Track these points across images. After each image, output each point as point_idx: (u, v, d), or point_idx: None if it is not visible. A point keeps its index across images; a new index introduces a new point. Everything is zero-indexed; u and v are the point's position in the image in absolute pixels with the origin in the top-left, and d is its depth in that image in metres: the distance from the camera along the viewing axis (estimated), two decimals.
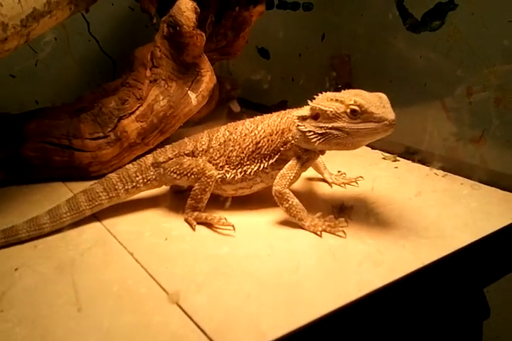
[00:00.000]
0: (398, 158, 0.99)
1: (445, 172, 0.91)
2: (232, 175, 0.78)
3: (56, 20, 0.75)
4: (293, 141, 0.75)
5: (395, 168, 0.96)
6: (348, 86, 1.93)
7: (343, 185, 0.88)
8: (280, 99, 1.72)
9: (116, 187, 0.78)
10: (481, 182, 0.86)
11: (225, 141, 0.79)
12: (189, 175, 0.77)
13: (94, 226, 0.77)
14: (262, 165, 0.77)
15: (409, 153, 1.00)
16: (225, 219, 0.74)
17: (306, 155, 0.75)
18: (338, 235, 0.70)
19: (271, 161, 0.77)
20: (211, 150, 0.80)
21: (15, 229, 0.72)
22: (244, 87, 1.56)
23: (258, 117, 0.81)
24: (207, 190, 0.76)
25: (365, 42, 1.65)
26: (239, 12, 1.04)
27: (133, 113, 0.95)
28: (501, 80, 1.32)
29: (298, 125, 0.73)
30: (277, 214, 0.78)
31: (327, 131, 0.69)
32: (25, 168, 0.94)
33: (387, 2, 1.53)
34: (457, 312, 0.71)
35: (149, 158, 0.82)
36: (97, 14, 1.27)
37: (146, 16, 1.12)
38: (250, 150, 0.77)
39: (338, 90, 1.81)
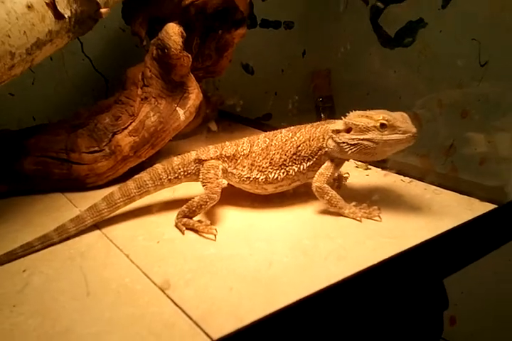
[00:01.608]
0: (370, 167, 1.08)
1: (411, 179, 1.00)
2: (276, 175, 0.89)
3: (56, 47, 0.83)
4: (327, 149, 0.87)
5: (366, 175, 1.04)
6: (329, 98, 2.04)
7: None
8: (264, 111, 1.81)
9: (161, 176, 0.88)
10: (442, 187, 0.95)
11: (266, 146, 0.90)
12: (205, 183, 0.87)
13: (94, 233, 0.84)
14: (301, 167, 0.88)
15: (381, 162, 1.09)
16: (210, 226, 0.82)
17: (338, 160, 0.88)
18: (374, 219, 0.83)
19: (308, 163, 0.89)
20: (253, 154, 0.90)
21: (80, 217, 0.82)
22: (229, 101, 1.65)
23: (292, 127, 0.93)
24: (203, 207, 0.84)
25: (343, 58, 1.76)
26: (222, 35, 1.14)
27: (126, 128, 1.03)
28: (468, 94, 1.42)
29: (333, 137, 0.85)
30: (259, 218, 0.87)
31: (359, 142, 0.82)
32: (27, 180, 1.01)
33: (363, 20, 1.65)
34: (419, 303, 0.80)
35: (192, 154, 0.92)
36: (90, 35, 1.35)
37: (136, 37, 1.21)
38: (292, 152, 0.88)
39: (320, 102, 1.90)
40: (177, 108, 1.05)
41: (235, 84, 1.71)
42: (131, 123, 1.04)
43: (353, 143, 0.83)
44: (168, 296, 0.65)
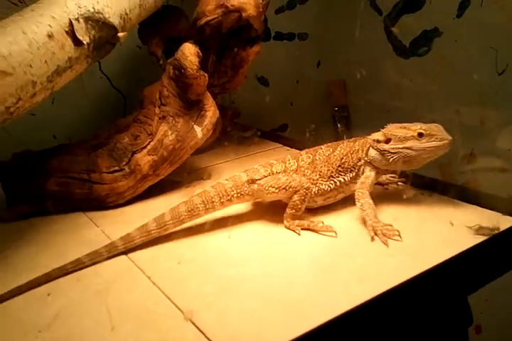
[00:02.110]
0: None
1: (431, 192, 0.99)
2: (326, 186, 0.92)
3: (76, 72, 0.85)
4: (366, 158, 0.92)
5: (386, 188, 1.04)
6: (344, 108, 2.04)
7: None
8: (280, 122, 1.82)
9: (214, 200, 0.90)
10: (464, 201, 0.94)
11: (312, 161, 0.94)
12: (287, 188, 0.89)
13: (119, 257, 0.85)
14: (346, 178, 0.93)
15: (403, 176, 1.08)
16: (322, 223, 0.87)
17: (376, 170, 0.93)
18: (393, 239, 0.82)
19: (351, 174, 0.93)
20: (302, 168, 0.93)
21: (131, 236, 0.84)
22: (246, 113, 1.66)
23: (330, 144, 0.97)
24: (305, 200, 0.89)
25: (358, 68, 1.76)
26: (237, 52, 1.15)
27: (145, 147, 1.05)
28: (485, 102, 1.41)
29: (373, 146, 0.91)
30: (279, 234, 0.88)
31: (399, 150, 0.88)
32: (49, 200, 1.03)
33: (377, 29, 1.64)
34: (443, 321, 0.79)
35: (243, 176, 0.93)
36: None
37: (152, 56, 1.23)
38: (337, 164, 0.93)
39: (336, 112, 1.90)
40: (194, 126, 1.06)
41: (251, 97, 1.71)
42: (150, 142, 1.05)
43: (394, 151, 0.89)
44: (190, 320, 0.66)
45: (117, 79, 1.46)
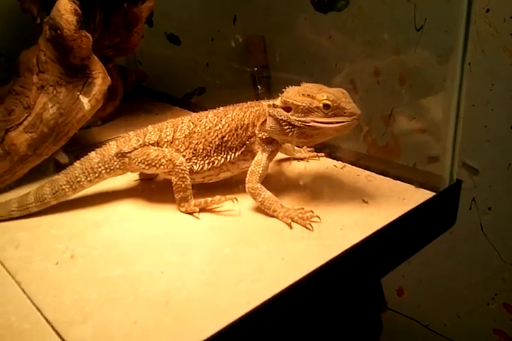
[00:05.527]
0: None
1: (344, 164, 0.92)
2: (200, 166, 0.81)
3: None
4: (260, 135, 0.80)
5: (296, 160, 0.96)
6: (265, 67, 1.92)
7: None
8: (196, 86, 1.68)
9: (79, 179, 0.80)
10: (375, 172, 0.88)
11: (190, 133, 0.82)
12: (158, 165, 0.79)
13: None
14: (228, 157, 0.81)
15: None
16: (223, 196, 0.78)
17: (270, 148, 0.80)
18: (307, 227, 0.73)
19: (237, 153, 0.82)
20: (176, 142, 0.82)
21: None
22: (155, 76, 1.51)
23: (221, 109, 0.85)
24: (185, 176, 0.78)
25: (277, 24, 1.64)
26: (128, 8, 1.00)
27: (20, 124, 0.90)
28: (404, 60, 1.35)
29: (270, 113, 0.77)
30: (177, 221, 0.78)
31: (299, 124, 0.74)
32: None
33: None
34: (356, 306, 0.74)
35: (113, 147, 0.82)
36: None
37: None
38: (216, 143, 0.81)
39: (256, 72, 1.78)
40: (80, 96, 0.92)
41: (160, 57, 1.56)
42: (27, 117, 0.90)
43: (296, 124, 0.74)
44: (60, 336, 0.56)
45: None
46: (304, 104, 0.73)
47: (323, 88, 0.75)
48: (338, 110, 0.72)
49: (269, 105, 0.78)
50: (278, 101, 0.77)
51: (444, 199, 0.80)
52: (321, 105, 0.72)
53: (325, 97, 0.72)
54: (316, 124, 0.73)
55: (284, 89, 0.78)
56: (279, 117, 0.76)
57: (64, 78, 0.92)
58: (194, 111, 1.30)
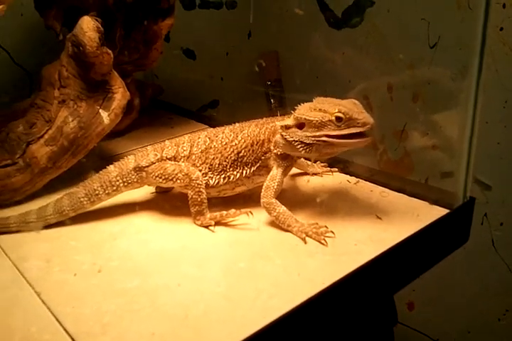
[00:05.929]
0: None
1: (357, 179, 0.93)
2: (216, 181, 0.82)
3: None
4: (275, 151, 0.81)
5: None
6: (278, 82, 1.94)
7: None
8: (210, 99, 1.71)
9: (97, 192, 0.82)
10: (389, 188, 0.89)
11: (207, 148, 0.83)
12: (175, 180, 0.81)
13: (3, 262, 0.74)
14: (244, 172, 0.82)
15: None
16: (237, 211, 0.79)
17: (285, 163, 0.81)
18: (321, 243, 0.73)
19: (252, 168, 0.83)
20: (193, 156, 0.83)
21: (8, 220, 0.81)
22: (171, 90, 1.54)
23: (237, 125, 0.86)
24: (201, 190, 0.80)
25: (291, 39, 1.66)
26: (148, 26, 1.02)
27: (41, 137, 0.92)
28: (418, 76, 1.36)
29: (283, 135, 0.78)
30: (194, 235, 0.79)
31: (314, 139, 0.75)
32: None
33: None
34: (368, 321, 0.74)
35: (131, 161, 0.84)
36: (5, 24, 1.21)
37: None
38: (232, 159, 0.82)
39: (269, 87, 1.81)
40: (100, 110, 0.94)
41: (176, 72, 1.59)
42: (48, 130, 0.92)
43: (308, 141, 0.75)
44: None
45: (20, 55, 1.29)
46: (316, 119, 0.74)
47: (335, 101, 0.76)
48: (351, 121, 0.72)
49: (281, 127, 0.78)
50: (290, 120, 0.78)
51: (458, 216, 0.81)
52: (333, 118, 0.73)
53: (336, 110, 0.72)
54: (328, 139, 0.74)
55: (296, 107, 0.78)
56: (291, 139, 0.77)
57: (84, 93, 0.94)
58: (209, 125, 1.34)
